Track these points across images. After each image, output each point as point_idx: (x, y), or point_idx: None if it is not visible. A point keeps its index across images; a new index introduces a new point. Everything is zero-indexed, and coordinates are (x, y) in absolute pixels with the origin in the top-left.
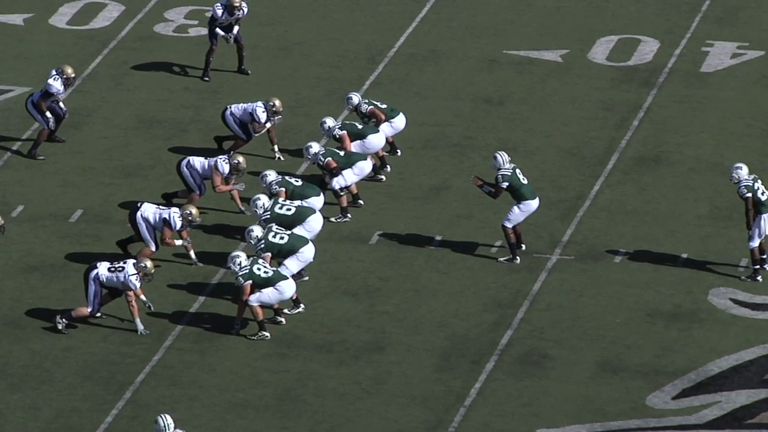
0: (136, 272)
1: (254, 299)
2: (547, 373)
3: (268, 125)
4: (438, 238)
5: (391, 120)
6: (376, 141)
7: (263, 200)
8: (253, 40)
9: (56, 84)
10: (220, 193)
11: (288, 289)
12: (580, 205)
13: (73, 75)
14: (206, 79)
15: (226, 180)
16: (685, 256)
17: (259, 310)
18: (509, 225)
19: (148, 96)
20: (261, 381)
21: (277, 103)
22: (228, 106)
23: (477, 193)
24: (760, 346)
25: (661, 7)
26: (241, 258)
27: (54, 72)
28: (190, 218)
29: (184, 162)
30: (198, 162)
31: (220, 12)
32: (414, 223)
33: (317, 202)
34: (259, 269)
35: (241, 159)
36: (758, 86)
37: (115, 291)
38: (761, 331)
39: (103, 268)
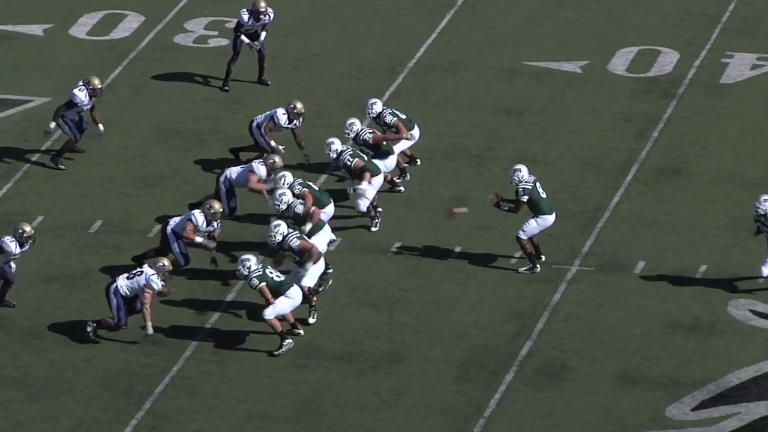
0: (155, 272)
1: (269, 313)
2: (566, 384)
3: (295, 144)
4: (457, 249)
5: (410, 132)
6: (388, 164)
7: (288, 195)
8: (273, 51)
9: (80, 94)
10: (253, 191)
11: (297, 295)
12: (599, 216)
13: (99, 86)
14: (226, 88)
15: (264, 181)
16: (704, 267)
17: (277, 323)
18: (524, 237)
19: (167, 107)
20: (280, 392)
21: (299, 105)
22: (254, 119)
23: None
24: None
25: (681, 19)
26: (252, 261)
27: (81, 83)
28: (212, 211)
29: (223, 177)
30: (235, 173)
31: (246, 17)
32: (433, 234)
33: (328, 209)
34: (271, 273)
35: (276, 158)
36: None
37: (133, 307)
38: None
39: (121, 280)
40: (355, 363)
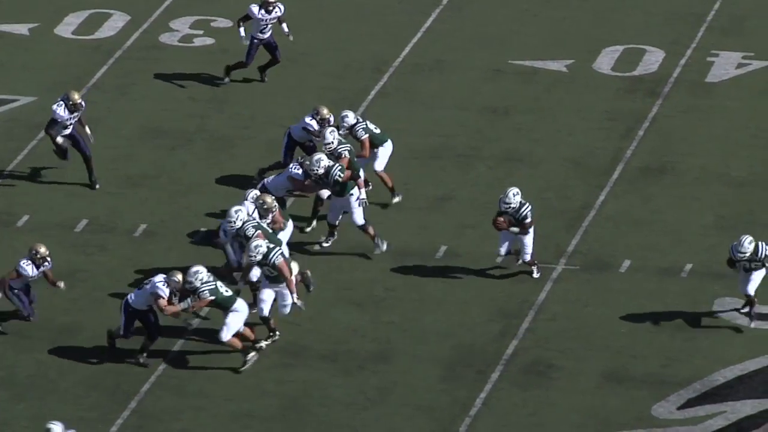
0: (163, 280)
1: (225, 336)
2: (552, 383)
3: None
4: (443, 248)
5: (382, 147)
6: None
7: (243, 213)
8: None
9: (59, 110)
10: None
11: (243, 306)
12: (585, 215)
13: (78, 101)
14: (225, 80)
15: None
16: (690, 266)
17: (236, 341)
18: (529, 257)
19: (153, 106)
20: (266, 391)
21: (324, 111)
22: (289, 128)
23: (482, 203)
24: (765, 356)
25: (667, 18)
26: (204, 274)
27: (60, 98)
28: (265, 207)
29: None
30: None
31: (256, 9)
32: (419, 233)
33: (287, 226)
34: (221, 286)
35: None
36: (763, 96)
37: (146, 320)
38: (766, 341)
39: (132, 294)
40: (341, 362)
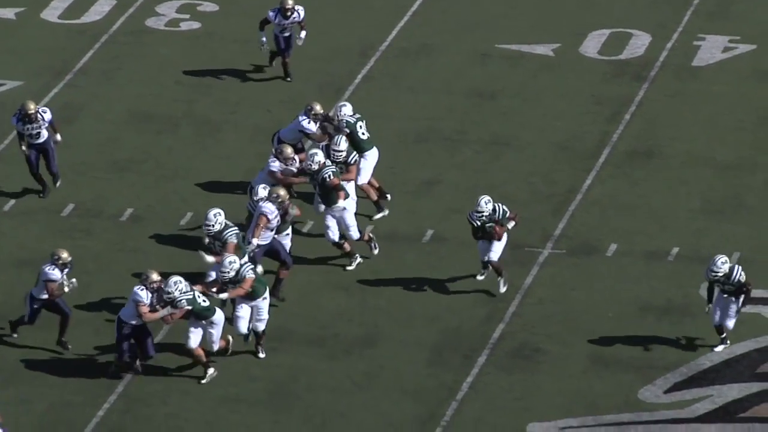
0: (139, 285)
1: (216, 346)
2: (538, 367)
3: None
4: (430, 231)
5: (364, 158)
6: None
7: (222, 216)
8: (244, 35)
9: (14, 119)
10: (290, 183)
11: (221, 317)
12: (571, 199)
13: (31, 111)
14: (288, 79)
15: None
16: (676, 250)
17: (222, 343)
18: (496, 258)
19: (139, 90)
20: (253, 375)
21: (317, 107)
22: (278, 131)
23: (469, 187)
24: (751, 340)
25: (653, 1)
26: (183, 284)
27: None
28: (279, 200)
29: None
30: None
31: (272, 15)
32: (406, 218)
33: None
34: (199, 296)
35: (288, 150)
36: (750, 80)
37: (143, 341)
38: (752, 325)
39: (121, 311)
40: (328, 347)
